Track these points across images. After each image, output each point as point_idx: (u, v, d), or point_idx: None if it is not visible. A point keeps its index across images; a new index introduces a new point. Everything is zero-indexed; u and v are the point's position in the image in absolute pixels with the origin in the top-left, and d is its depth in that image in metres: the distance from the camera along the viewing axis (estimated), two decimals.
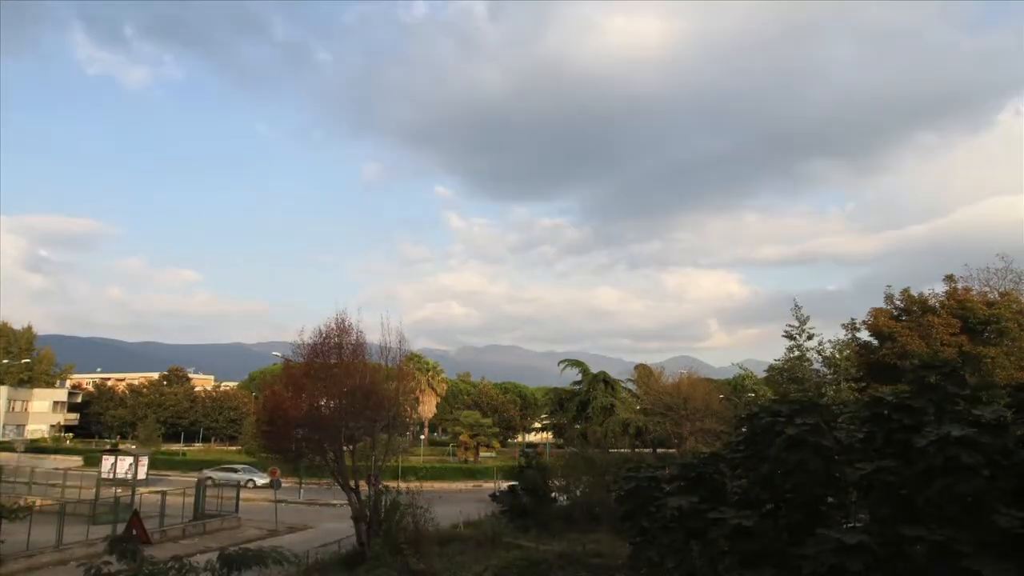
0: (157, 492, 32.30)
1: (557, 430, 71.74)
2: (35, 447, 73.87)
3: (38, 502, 30.00)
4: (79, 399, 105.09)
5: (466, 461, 61.27)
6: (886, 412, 7.55)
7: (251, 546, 12.98)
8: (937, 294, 30.37)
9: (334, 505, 37.04)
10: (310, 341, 23.85)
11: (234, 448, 79.12)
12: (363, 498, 22.67)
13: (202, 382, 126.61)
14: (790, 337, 32.82)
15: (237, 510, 33.28)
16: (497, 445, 69.34)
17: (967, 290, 30.11)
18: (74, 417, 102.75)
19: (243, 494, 34.28)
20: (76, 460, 62.53)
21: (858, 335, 31.98)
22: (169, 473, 52.20)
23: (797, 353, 32.75)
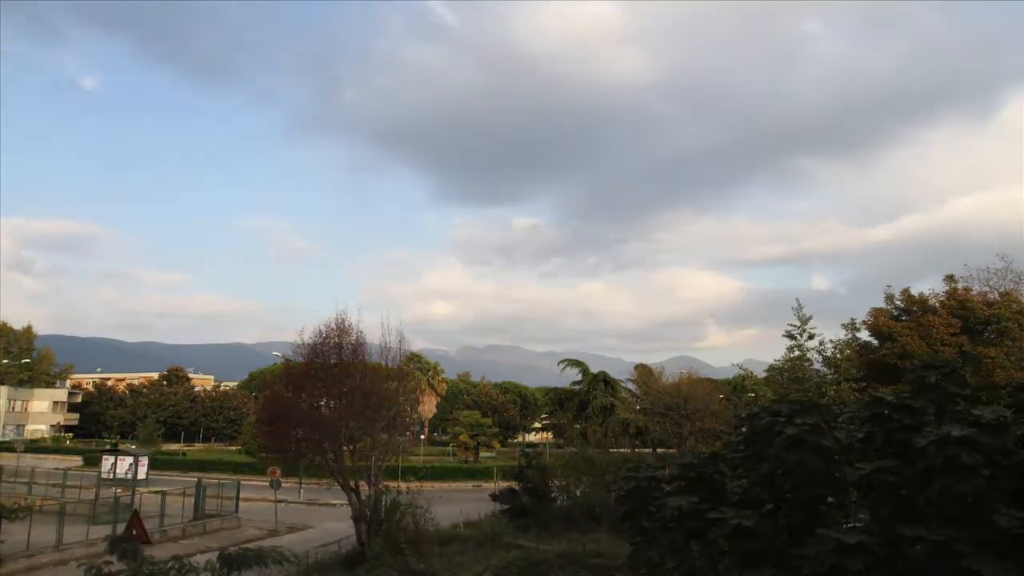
0: (157, 492, 32.30)
1: (557, 430, 71.77)
2: (35, 447, 73.92)
3: (38, 502, 30.00)
4: (79, 399, 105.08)
5: (466, 461, 61.23)
6: (886, 412, 7.56)
7: (251, 546, 12.99)
8: (937, 294, 30.37)
9: (334, 505, 37.02)
10: (310, 341, 23.88)
11: (234, 448, 79.09)
12: (363, 498, 22.67)
13: (202, 382, 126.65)
14: (791, 337, 32.82)
15: (237, 510, 33.27)
16: (497, 445, 69.25)
17: (967, 290, 30.11)
18: (74, 417, 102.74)
19: (243, 494, 34.28)
20: (76, 460, 62.67)
21: (858, 335, 31.97)
22: (169, 473, 52.17)
23: (797, 353, 32.74)
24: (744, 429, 9.10)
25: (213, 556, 10.60)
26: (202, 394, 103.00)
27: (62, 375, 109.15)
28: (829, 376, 32.29)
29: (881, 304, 31.39)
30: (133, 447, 53.28)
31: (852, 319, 32.20)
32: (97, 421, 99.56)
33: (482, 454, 63.40)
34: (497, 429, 71.76)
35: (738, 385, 58.40)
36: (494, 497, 26.54)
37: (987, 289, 30.78)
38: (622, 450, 47.82)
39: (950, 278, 30.58)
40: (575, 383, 69.63)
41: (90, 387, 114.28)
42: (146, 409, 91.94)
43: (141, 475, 34.91)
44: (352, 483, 22.64)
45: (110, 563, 9.83)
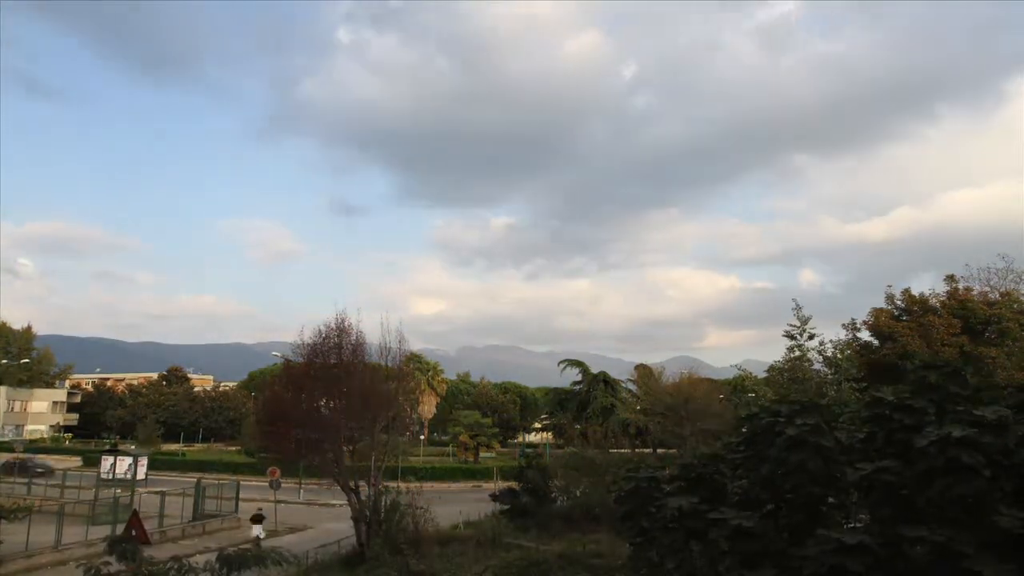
0: (156, 492, 32.26)
1: (557, 430, 71.78)
2: (34, 447, 73.85)
3: (37, 502, 29.96)
4: (78, 399, 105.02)
5: (466, 461, 61.20)
6: (887, 412, 7.54)
7: (250, 546, 12.97)
8: (938, 294, 30.35)
9: (334, 505, 36.99)
10: (310, 341, 23.87)
11: (233, 448, 79.05)
12: (363, 498, 22.65)
13: (201, 382, 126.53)
14: (791, 337, 32.78)
15: (236, 511, 33.23)
16: (497, 445, 69.21)
17: (968, 290, 30.07)
18: (73, 417, 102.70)
19: (242, 494, 34.25)
20: (75, 460, 62.65)
21: (859, 335, 31.95)
22: (168, 473, 52.16)
23: (798, 353, 32.70)
24: (744, 429, 9.09)
25: (212, 557, 10.58)
26: (202, 394, 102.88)
27: (61, 375, 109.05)
28: (830, 376, 32.25)
29: (880, 303, 31.41)
30: (132, 447, 53.21)
31: (853, 319, 32.19)
32: (96, 421, 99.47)
33: (482, 454, 63.35)
34: (497, 429, 71.75)
35: (738, 385, 58.39)
36: (494, 497, 26.55)
37: (988, 289, 30.75)
38: (622, 450, 47.81)
39: (951, 278, 30.55)
40: (575, 383, 69.60)
41: (89, 387, 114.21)
42: (145, 409, 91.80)
43: (140, 475, 34.89)
44: (352, 483, 22.62)
45: (109, 563, 9.82)
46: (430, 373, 77.37)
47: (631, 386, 65.61)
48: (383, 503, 22.68)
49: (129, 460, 35.34)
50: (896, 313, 30.80)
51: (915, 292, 31.21)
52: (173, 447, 77.89)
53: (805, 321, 32.49)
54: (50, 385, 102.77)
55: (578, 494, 26.44)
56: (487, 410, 79.41)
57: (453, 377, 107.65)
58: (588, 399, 64.67)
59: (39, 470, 47.44)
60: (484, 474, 51.33)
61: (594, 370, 69.49)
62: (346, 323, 24.02)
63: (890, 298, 31.34)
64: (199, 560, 10.82)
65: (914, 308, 30.07)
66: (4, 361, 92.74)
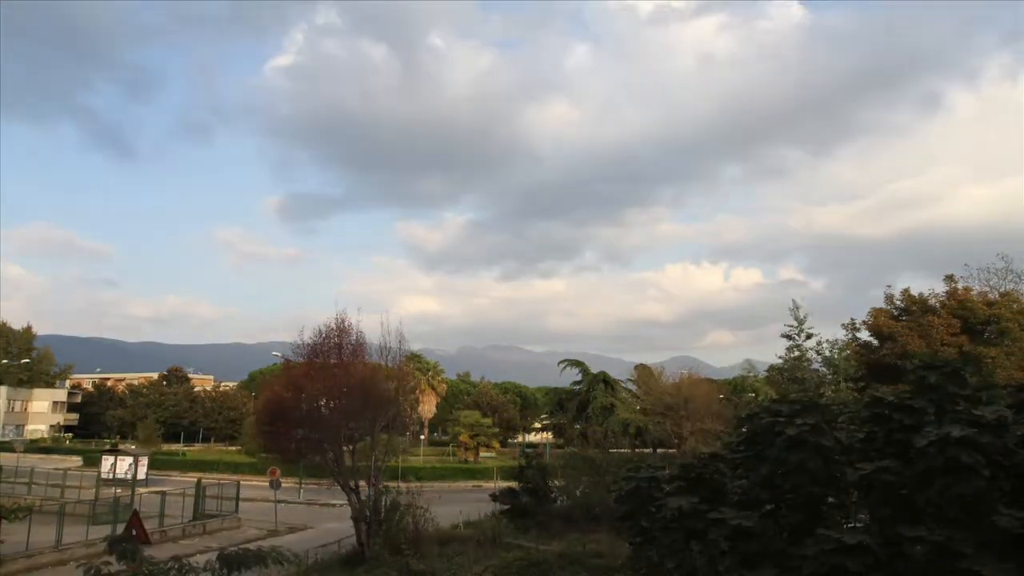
0: (157, 492, 32.29)
1: (557, 430, 71.81)
2: (35, 447, 73.90)
3: (38, 502, 29.98)
4: (79, 399, 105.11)
5: (466, 461, 61.22)
6: (886, 412, 7.56)
7: (251, 546, 12.95)
8: (937, 294, 30.42)
9: (334, 505, 37.00)
10: (310, 341, 23.89)
11: (234, 448, 79.08)
12: (363, 498, 22.67)
13: (201, 382, 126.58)
14: (789, 337, 32.84)
15: (237, 510, 33.25)
16: (497, 445, 69.23)
17: (967, 290, 30.12)
18: (74, 417, 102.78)
19: (243, 494, 34.28)
20: (76, 460, 62.67)
21: (858, 335, 32.01)
22: (169, 473, 52.18)
23: (797, 353, 32.77)
24: (744, 429, 9.11)
25: (213, 556, 10.57)
26: (202, 394, 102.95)
27: (62, 375, 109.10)
28: (828, 376, 32.32)
29: (878, 302, 31.51)
30: (133, 447, 53.24)
31: (852, 319, 32.28)
32: (97, 421, 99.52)
33: (482, 454, 63.38)
34: (497, 429, 71.74)
35: (738, 385, 58.46)
36: (494, 497, 26.56)
37: (987, 289, 30.81)
38: (622, 450, 47.84)
39: (950, 278, 30.60)
40: (575, 383, 69.64)
41: (90, 387, 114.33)
42: (146, 409, 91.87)
43: (141, 475, 34.96)
44: (352, 483, 22.64)
45: (109, 563, 9.80)
46: (430, 373, 77.43)
47: (631, 386, 65.63)
48: (383, 503, 22.70)
49: (129, 460, 35.41)
50: (895, 313, 30.86)
51: (914, 292, 31.30)
52: (173, 447, 77.91)
53: (803, 321, 32.56)
54: (50, 385, 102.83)
55: (578, 494, 26.44)
56: (487, 410, 79.32)
57: (453, 377, 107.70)
58: (588, 399, 64.69)
59: None
60: (484, 474, 51.35)
61: (594, 370, 69.52)
62: (346, 323, 24.08)
63: (889, 298, 31.41)
64: (199, 560, 10.82)
65: (913, 308, 30.12)
66: (4, 361, 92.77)
